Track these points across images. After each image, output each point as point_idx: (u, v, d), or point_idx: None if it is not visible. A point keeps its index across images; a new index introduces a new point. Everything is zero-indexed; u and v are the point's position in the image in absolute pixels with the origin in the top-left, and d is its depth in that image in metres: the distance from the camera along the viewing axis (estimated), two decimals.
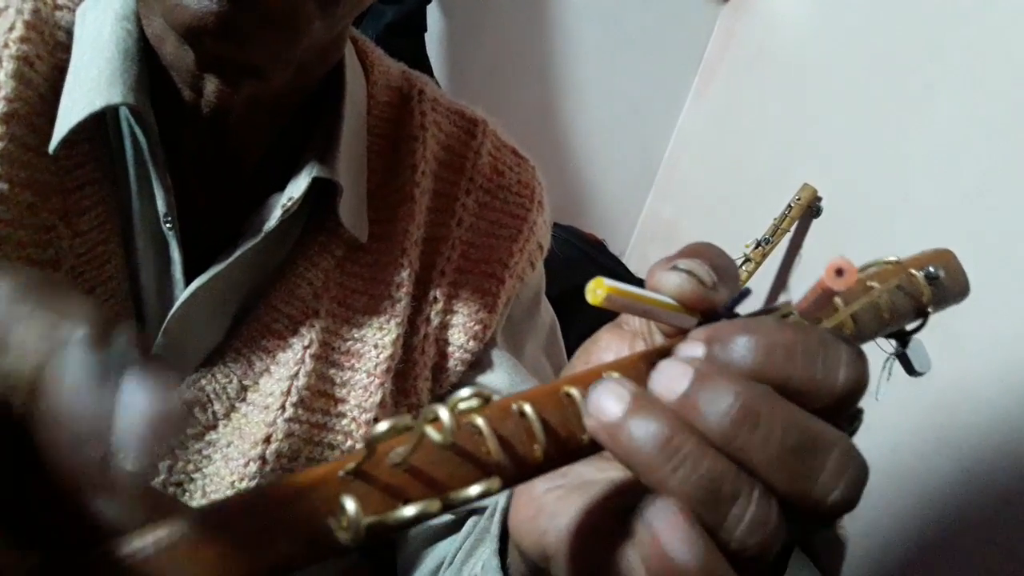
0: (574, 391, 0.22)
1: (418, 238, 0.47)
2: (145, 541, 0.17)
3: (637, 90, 1.58)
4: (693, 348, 0.23)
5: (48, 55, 0.39)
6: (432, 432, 0.19)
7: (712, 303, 0.24)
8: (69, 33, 0.40)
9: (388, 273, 0.46)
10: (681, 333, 0.25)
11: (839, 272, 0.21)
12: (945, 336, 0.84)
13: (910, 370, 0.32)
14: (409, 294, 0.46)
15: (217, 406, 0.42)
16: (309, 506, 0.18)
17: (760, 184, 1.32)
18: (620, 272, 1.40)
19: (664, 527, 0.20)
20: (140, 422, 0.16)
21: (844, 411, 0.22)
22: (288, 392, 0.42)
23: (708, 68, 1.57)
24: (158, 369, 0.17)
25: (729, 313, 0.24)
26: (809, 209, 1.17)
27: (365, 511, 0.18)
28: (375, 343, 0.45)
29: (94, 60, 0.38)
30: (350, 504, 0.18)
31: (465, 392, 0.19)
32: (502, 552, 0.33)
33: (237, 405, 0.43)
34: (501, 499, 0.35)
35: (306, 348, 0.43)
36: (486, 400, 0.19)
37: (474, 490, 0.19)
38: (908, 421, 0.92)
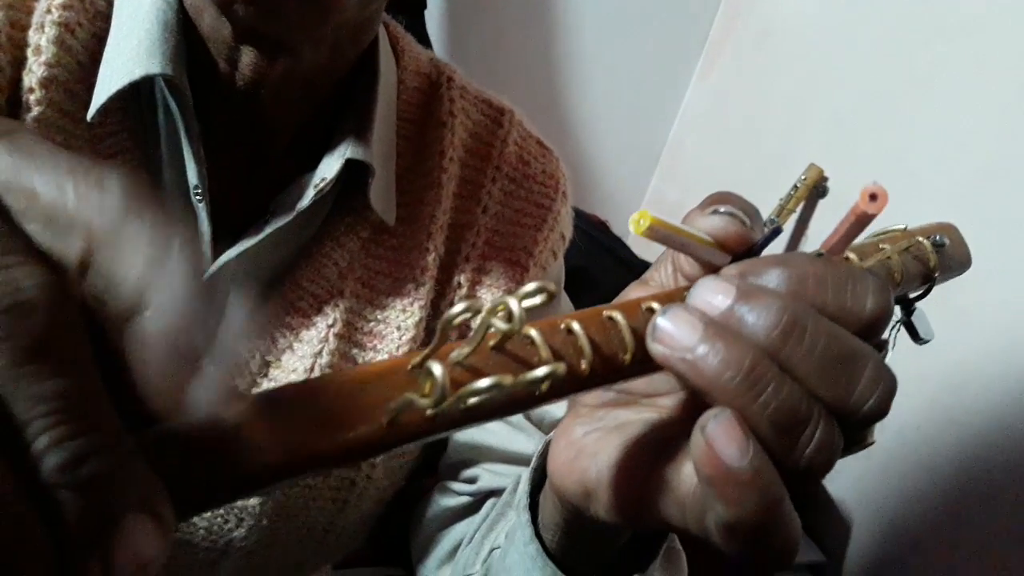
0: (616, 315, 0.23)
1: (443, 223, 0.47)
2: (223, 416, 0.17)
3: (641, 70, 1.56)
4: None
5: (88, 23, 0.39)
6: (498, 322, 0.19)
7: (750, 241, 0.26)
8: (109, 3, 0.40)
9: (413, 256, 0.46)
10: (714, 271, 0.26)
11: (873, 197, 0.22)
12: (952, 315, 0.85)
13: (915, 337, 0.33)
14: (433, 278, 0.46)
15: (238, 381, 0.42)
16: (383, 389, 0.19)
17: (766, 165, 1.32)
18: (623, 254, 1.39)
19: (719, 433, 0.21)
20: (238, 334, 0.17)
21: (870, 339, 0.23)
22: (311, 370, 0.43)
23: (713, 48, 1.55)
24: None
25: (760, 251, 0.26)
26: (815, 189, 1.16)
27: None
28: (398, 325, 0.45)
29: (133, 30, 0.38)
30: (437, 368, 0.18)
31: (530, 287, 0.20)
32: (532, 513, 0.34)
33: (259, 381, 0.43)
34: (524, 474, 0.36)
35: (330, 327, 0.43)
36: (551, 296, 0.20)
37: (542, 371, 0.20)
38: (914, 401, 0.93)
